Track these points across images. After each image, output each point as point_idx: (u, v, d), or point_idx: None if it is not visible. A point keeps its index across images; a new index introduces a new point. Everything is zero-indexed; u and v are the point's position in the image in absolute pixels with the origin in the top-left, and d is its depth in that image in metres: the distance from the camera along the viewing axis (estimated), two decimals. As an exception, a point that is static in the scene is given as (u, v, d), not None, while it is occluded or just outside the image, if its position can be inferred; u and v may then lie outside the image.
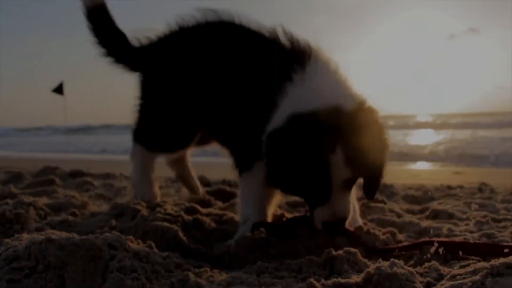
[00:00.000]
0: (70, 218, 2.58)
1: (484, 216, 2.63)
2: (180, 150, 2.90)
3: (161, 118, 2.71)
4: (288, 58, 2.15)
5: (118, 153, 13.24)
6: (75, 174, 4.49)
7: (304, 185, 1.95)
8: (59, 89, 17.68)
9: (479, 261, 1.77)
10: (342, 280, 1.51)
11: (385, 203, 3.20)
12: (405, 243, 2.08)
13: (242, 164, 2.28)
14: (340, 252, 1.74)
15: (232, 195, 3.30)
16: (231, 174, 2.57)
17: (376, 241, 2.11)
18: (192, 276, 1.57)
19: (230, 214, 2.66)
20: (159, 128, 2.72)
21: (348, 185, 1.98)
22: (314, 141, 1.87)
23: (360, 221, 2.34)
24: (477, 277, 1.41)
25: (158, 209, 2.52)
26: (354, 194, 2.32)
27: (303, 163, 1.87)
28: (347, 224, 2.05)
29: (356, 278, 1.51)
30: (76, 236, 1.67)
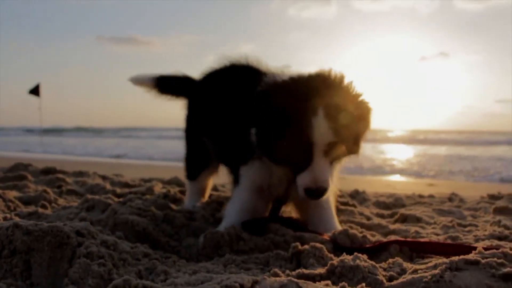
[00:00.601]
0: (40, 210, 2.56)
1: (451, 221, 2.70)
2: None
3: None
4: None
5: (90, 155, 13.18)
6: (48, 171, 4.42)
7: (287, 147, 1.95)
8: (35, 91, 17.52)
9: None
10: (306, 271, 1.54)
11: (355, 206, 3.24)
12: (375, 243, 2.11)
13: (237, 177, 2.32)
14: (306, 246, 1.77)
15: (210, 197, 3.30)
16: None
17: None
18: (159, 264, 1.58)
19: (201, 212, 2.67)
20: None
21: (329, 152, 1.96)
22: (296, 102, 1.90)
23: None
24: (437, 271, 1.45)
25: (129, 203, 2.51)
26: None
27: (286, 124, 1.90)
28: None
29: (320, 270, 1.54)
30: (44, 223, 1.66)
